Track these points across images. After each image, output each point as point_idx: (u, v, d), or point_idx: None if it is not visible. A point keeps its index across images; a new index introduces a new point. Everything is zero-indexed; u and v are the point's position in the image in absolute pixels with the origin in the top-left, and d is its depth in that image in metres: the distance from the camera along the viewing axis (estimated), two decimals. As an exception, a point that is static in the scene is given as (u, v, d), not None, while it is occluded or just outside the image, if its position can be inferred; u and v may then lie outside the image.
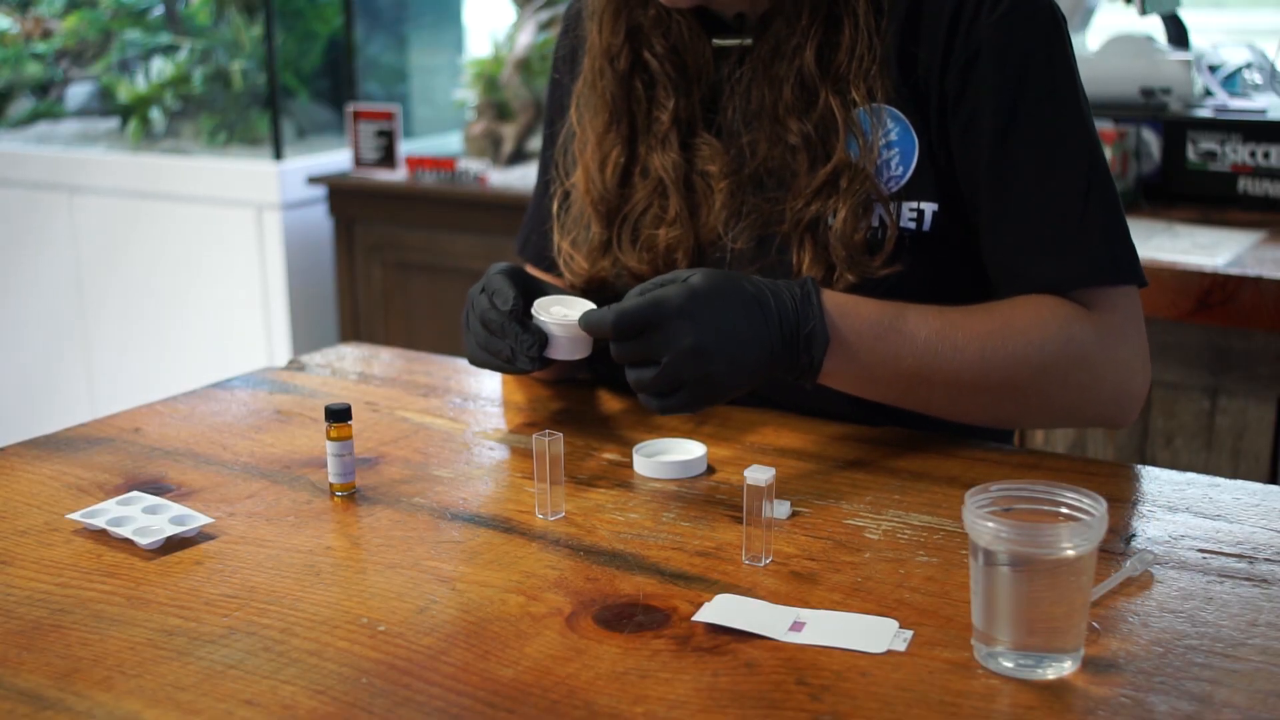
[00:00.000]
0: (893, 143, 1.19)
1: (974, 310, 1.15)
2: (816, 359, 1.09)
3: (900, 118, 1.19)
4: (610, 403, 1.31)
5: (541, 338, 1.14)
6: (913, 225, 1.19)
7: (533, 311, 1.16)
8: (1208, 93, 2.42)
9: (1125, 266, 1.16)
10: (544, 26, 3.06)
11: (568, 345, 1.15)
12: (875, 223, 1.18)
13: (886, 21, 1.18)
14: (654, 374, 1.05)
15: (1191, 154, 2.25)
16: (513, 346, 1.15)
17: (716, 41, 1.26)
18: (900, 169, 1.19)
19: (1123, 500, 1.06)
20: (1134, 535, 0.99)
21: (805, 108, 1.20)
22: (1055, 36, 1.17)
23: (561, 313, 1.15)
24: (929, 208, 1.19)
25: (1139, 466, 1.15)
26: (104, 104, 3.84)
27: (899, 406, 1.17)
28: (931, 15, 1.17)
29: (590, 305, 1.16)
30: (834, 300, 1.11)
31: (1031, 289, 1.16)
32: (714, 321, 1.04)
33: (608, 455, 1.17)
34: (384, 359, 1.49)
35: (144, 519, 1.03)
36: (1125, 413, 1.17)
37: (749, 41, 1.23)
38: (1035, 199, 1.16)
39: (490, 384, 1.38)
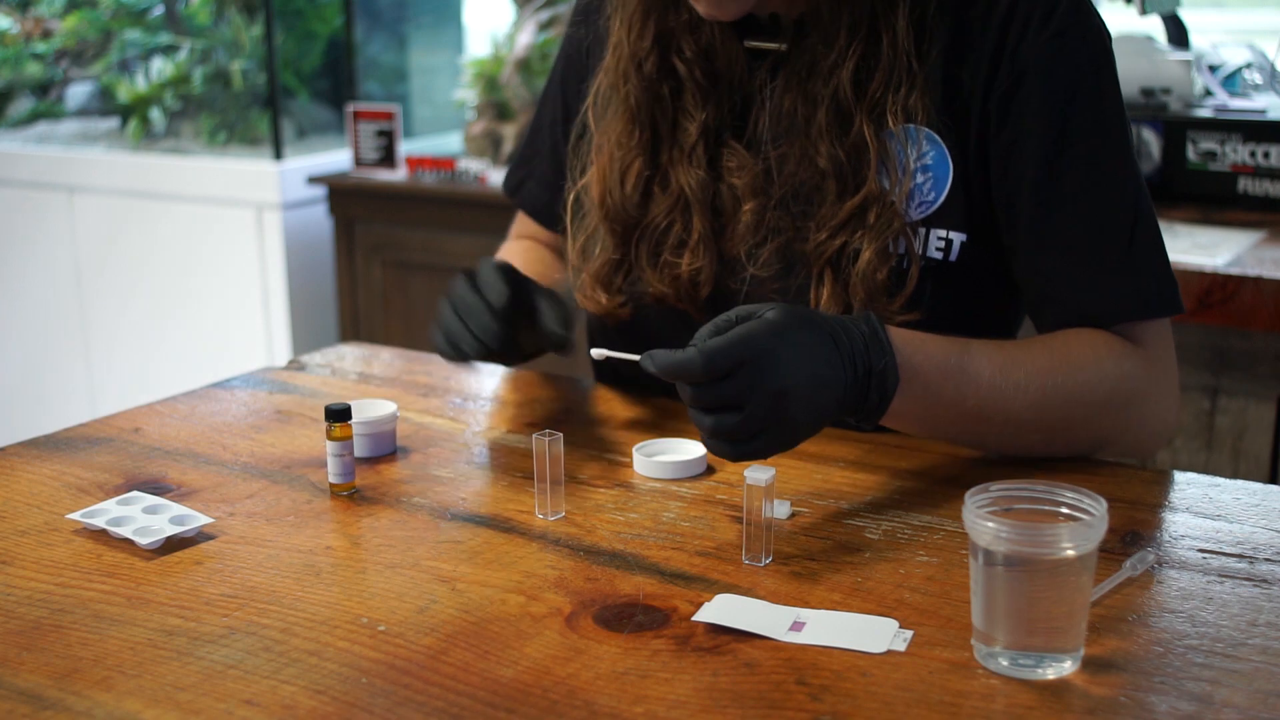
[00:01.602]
0: (927, 166, 1.16)
1: (1032, 345, 1.12)
2: (887, 397, 1.03)
3: (937, 141, 1.16)
4: (610, 403, 1.31)
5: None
6: (939, 255, 1.17)
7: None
8: (1208, 93, 2.42)
9: (1169, 298, 1.16)
10: (544, 26, 3.06)
11: (371, 444, 1.18)
12: (901, 249, 1.16)
13: (929, 43, 1.15)
14: (737, 420, 0.97)
15: (1191, 154, 2.25)
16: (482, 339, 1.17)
17: (749, 43, 1.22)
18: (932, 194, 1.16)
19: (1123, 500, 1.06)
20: (1134, 535, 0.99)
21: (839, 132, 1.16)
22: (1104, 60, 1.15)
23: (367, 413, 1.18)
24: (958, 238, 1.17)
25: (1139, 466, 1.15)
26: (104, 104, 3.84)
27: (953, 443, 1.15)
28: (976, 35, 1.14)
29: (390, 406, 1.19)
30: (901, 337, 1.06)
31: (1076, 317, 1.15)
32: (798, 362, 0.98)
33: (608, 455, 1.17)
34: (384, 359, 1.49)
35: (144, 519, 1.03)
36: (1161, 442, 1.18)
37: (783, 46, 1.20)
38: (1083, 226, 1.14)
39: (490, 384, 1.38)
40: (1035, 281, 1.17)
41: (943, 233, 1.17)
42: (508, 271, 1.20)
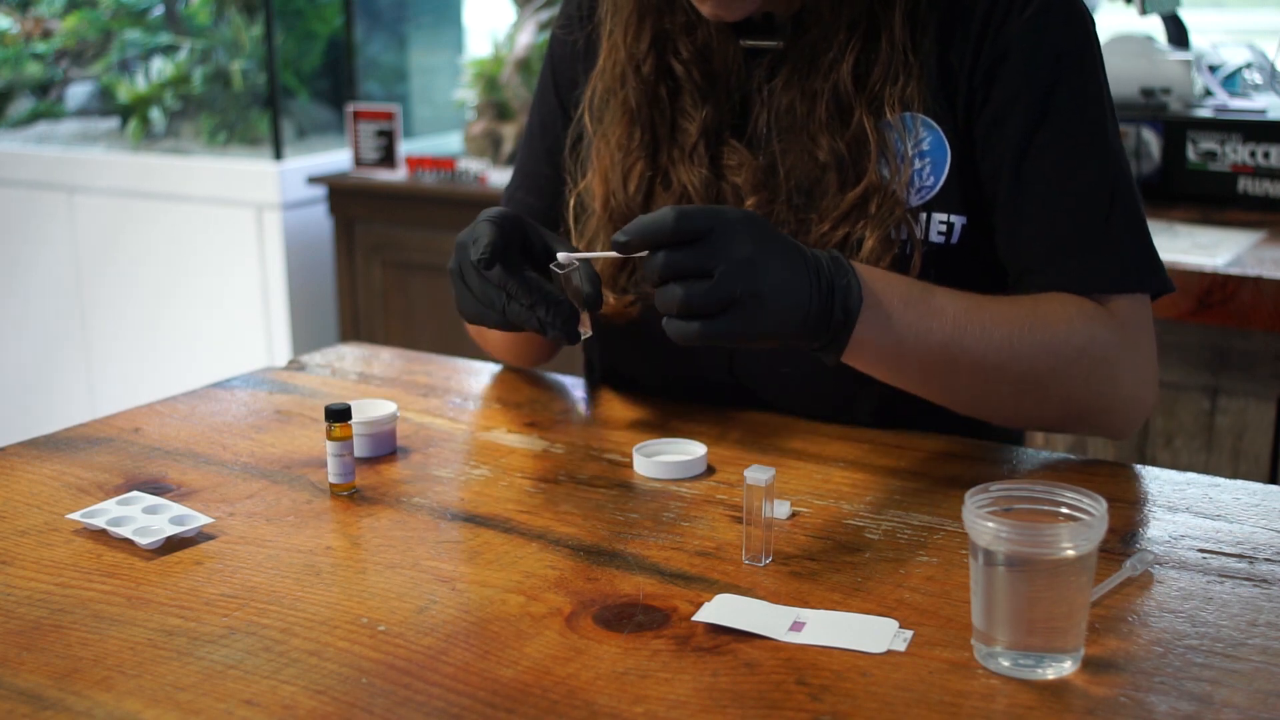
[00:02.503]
0: (924, 152, 1.18)
1: (999, 298, 1.13)
2: (851, 316, 1.04)
3: (933, 127, 1.17)
4: (610, 403, 1.31)
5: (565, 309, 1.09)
6: (941, 239, 1.18)
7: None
8: (1208, 93, 2.42)
9: (1146, 273, 1.16)
10: (544, 26, 3.06)
11: (371, 444, 1.17)
12: (903, 236, 1.17)
13: (922, 34, 1.16)
14: (707, 287, 0.97)
15: (1191, 154, 2.25)
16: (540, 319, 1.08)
17: (745, 42, 1.23)
18: (931, 179, 1.18)
19: (1123, 500, 1.06)
20: (1134, 535, 0.99)
21: (839, 126, 1.18)
22: (1087, 40, 1.16)
23: (369, 413, 1.17)
24: (958, 221, 1.18)
25: (1139, 466, 1.15)
26: (104, 104, 3.84)
27: (920, 394, 1.14)
28: (964, 19, 1.16)
29: (390, 406, 1.19)
30: (862, 267, 1.07)
31: (1049, 290, 1.15)
32: (768, 241, 1.00)
33: (608, 455, 1.17)
34: (384, 359, 1.49)
35: (144, 519, 1.03)
36: (1133, 422, 1.17)
37: (780, 45, 1.21)
38: (1060, 200, 1.15)
39: (490, 384, 1.38)
40: (1012, 256, 1.18)
41: (943, 216, 1.18)
42: (502, 225, 1.11)
